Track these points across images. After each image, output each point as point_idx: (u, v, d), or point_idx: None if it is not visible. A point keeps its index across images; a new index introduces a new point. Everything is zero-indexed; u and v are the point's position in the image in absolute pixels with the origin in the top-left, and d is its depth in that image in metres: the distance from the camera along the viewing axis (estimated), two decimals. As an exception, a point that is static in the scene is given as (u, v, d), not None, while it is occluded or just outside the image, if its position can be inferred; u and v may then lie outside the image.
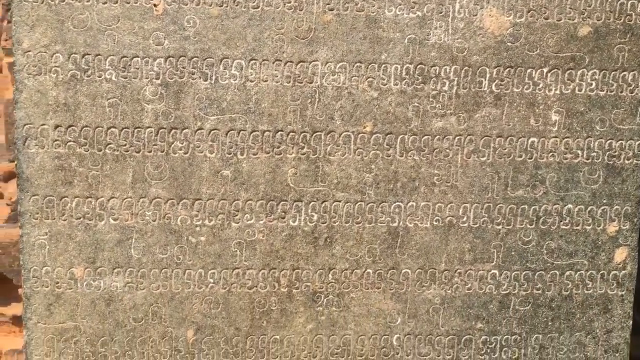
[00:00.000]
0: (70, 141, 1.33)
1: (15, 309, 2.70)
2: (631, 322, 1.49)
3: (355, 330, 1.45)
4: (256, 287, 1.42)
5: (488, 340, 1.47)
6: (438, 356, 1.47)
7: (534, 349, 1.48)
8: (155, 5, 1.29)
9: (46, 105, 1.31)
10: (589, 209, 1.44)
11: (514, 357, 1.48)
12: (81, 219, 1.37)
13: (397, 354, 1.46)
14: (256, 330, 1.43)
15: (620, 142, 1.41)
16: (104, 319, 1.40)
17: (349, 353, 1.45)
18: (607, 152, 1.41)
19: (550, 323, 1.47)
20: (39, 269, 1.37)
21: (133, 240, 1.38)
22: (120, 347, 1.41)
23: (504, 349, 1.48)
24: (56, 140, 1.32)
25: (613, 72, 1.38)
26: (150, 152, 1.35)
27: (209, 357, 1.43)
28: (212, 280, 1.40)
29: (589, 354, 1.50)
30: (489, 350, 1.47)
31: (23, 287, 1.38)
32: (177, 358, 1.42)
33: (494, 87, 1.37)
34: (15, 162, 1.34)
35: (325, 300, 1.43)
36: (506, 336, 1.47)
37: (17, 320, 2.64)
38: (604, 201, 1.43)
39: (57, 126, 1.32)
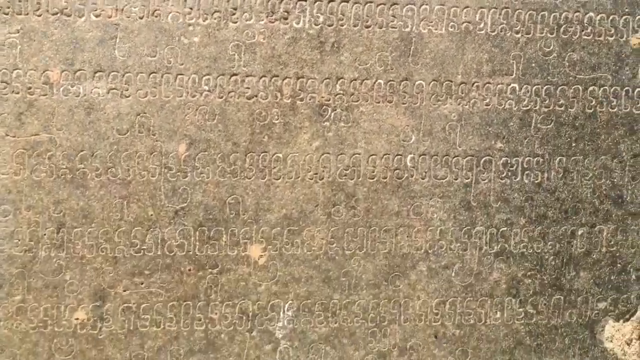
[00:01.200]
0: None
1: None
2: (657, 146, 1.39)
3: (366, 149, 1.31)
4: (256, 96, 1.27)
5: (509, 162, 1.35)
6: (455, 179, 1.34)
7: (557, 172, 1.37)
8: None
9: None
10: (610, 17, 1.35)
11: (536, 180, 1.36)
12: (58, 15, 1.21)
13: (412, 176, 1.33)
14: (256, 146, 1.28)
15: (641, -56, 1.34)
16: (83, 130, 1.23)
17: (359, 174, 1.31)
18: (629, -45, 1.33)
19: (574, 144, 1.36)
20: (9, 72, 1.21)
21: (117, 39, 1.22)
22: (102, 162, 1.24)
23: (526, 172, 1.36)
24: None
25: None
26: None
27: (204, 175, 1.27)
28: (206, 88, 1.25)
29: (615, 180, 1.39)
30: (509, 173, 1.35)
31: (-10, 93, 1.21)
32: (167, 176, 1.26)
33: None
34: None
35: (332, 114, 1.29)
36: (528, 157, 1.35)
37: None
38: (626, 10, 1.35)
39: None
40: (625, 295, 1.42)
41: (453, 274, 1.35)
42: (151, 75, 1.24)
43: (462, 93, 1.32)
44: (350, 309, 1.34)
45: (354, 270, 1.32)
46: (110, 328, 1.27)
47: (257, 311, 1.31)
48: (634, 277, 1.42)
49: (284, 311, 1.32)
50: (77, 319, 1.26)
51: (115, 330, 1.27)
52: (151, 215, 1.25)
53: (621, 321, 1.42)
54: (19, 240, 1.23)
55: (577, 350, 1.41)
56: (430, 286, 1.35)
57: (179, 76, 1.25)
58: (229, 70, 1.26)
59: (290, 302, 1.32)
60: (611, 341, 1.42)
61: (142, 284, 1.27)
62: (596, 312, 1.41)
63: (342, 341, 1.34)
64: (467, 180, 1.34)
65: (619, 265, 1.41)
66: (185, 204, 1.26)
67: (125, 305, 1.27)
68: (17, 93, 1.21)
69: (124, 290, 1.26)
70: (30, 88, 1.21)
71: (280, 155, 1.29)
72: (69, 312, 1.26)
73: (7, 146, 1.22)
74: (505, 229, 1.36)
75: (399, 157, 1.32)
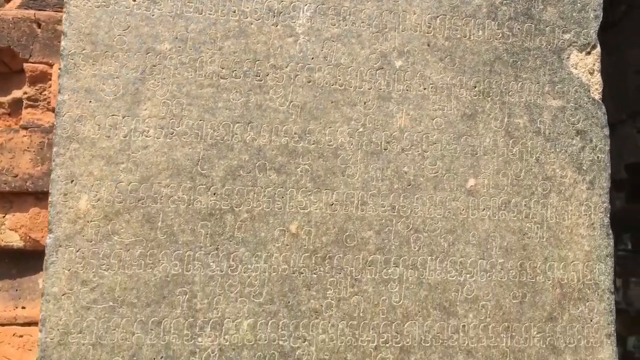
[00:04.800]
0: None
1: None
2: None
3: None
4: None
5: None
6: None
7: None
8: None
9: None
10: None
11: None
12: None
13: None
14: None
15: None
16: None
17: None
18: None
19: None
20: None
21: None
22: None
23: None
24: None
25: None
26: None
27: None
28: None
29: None
30: None
31: None
32: None
33: None
34: None
35: None
36: None
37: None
38: None
39: None
40: (585, 30, 1.71)
41: None
42: None
43: None
44: (358, 15, 1.62)
45: None
46: (161, 10, 1.55)
47: (282, 9, 1.59)
48: (592, 15, 1.72)
49: (303, 11, 1.60)
50: (136, -5, 1.54)
51: (165, 12, 1.55)
52: None
53: (584, 53, 1.70)
54: None
55: (547, 71, 1.68)
56: (424, 4, 1.64)
57: None
58: None
59: (308, 5, 1.60)
60: (576, 68, 1.69)
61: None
62: (562, 41, 1.69)
63: (351, 40, 1.61)
64: None
65: (579, 4, 1.71)
66: None
67: None
68: None
69: None
70: None
71: None
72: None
73: None
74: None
75: None
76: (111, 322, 1.42)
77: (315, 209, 1.52)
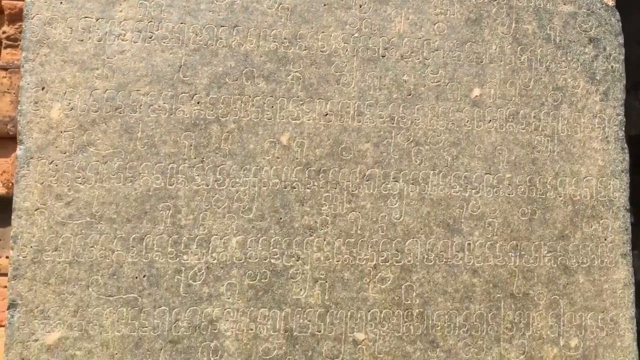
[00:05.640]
0: None
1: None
2: None
3: None
4: None
5: None
6: None
7: None
8: None
9: None
10: None
11: None
12: None
13: None
14: None
15: None
16: None
17: None
18: None
19: None
20: None
21: None
22: None
23: None
24: None
25: None
26: None
27: None
28: None
29: None
30: None
31: None
32: None
33: None
34: None
35: None
36: None
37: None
38: None
39: None
40: None
41: None
42: None
43: None
44: None
45: None
46: None
47: None
48: None
49: None
50: None
51: None
52: None
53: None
54: None
55: (558, -27, 1.55)
56: None
57: None
58: None
59: None
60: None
61: None
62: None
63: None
64: None
65: None
66: None
67: None
68: None
69: None
70: None
71: None
72: None
73: None
74: None
75: None
76: (89, 238, 1.32)
77: (308, 120, 1.41)
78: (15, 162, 1.70)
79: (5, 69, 1.67)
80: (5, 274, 1.70)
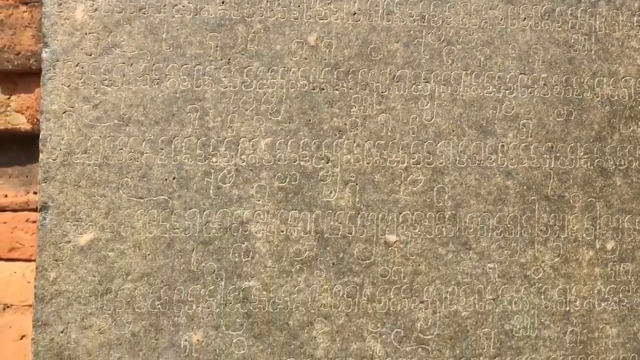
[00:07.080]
0: None
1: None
2: None
3: None
4: None
5: None
6: None
7: None
8: None
9: None
10: None
11: None
12: None
13: None
14: None
15: None
16: None
17: None
18: None
19: None
20: None
21: None
22: None
23: None
24: None
25: None
26: None
27: None
28: None
29: None
30: None
31: None
32: None
33: None
34: None
35: None
36: None
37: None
38: None
39: None
40: None
41: None
42: None
43: None
44: None
45: None
46: None
47: None
48: None
49: None
50: None
51: None
52: None
53: None
54: None
55: None
56: None
57: None
58: None
59: None
60: None
61: None
62: None
63: None
64: None
65: None
66: None
67: None
68: None
69: None
70: None
71: None
72: None
73: None
74: None
75: None
76: (117, 141, 1.31)
77: (336, 19, 1.37)
78: (39, 97, 1.70)
79: (26, 3, 1.64)
80: (34, 209, 1.72)
